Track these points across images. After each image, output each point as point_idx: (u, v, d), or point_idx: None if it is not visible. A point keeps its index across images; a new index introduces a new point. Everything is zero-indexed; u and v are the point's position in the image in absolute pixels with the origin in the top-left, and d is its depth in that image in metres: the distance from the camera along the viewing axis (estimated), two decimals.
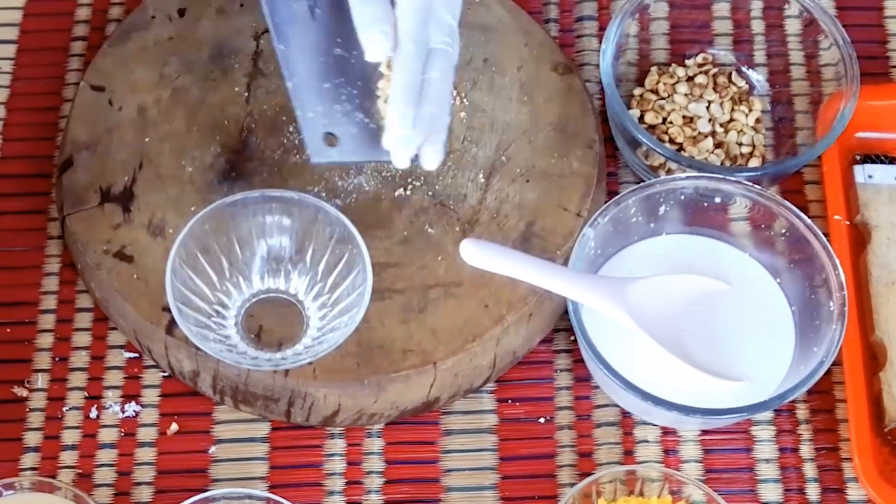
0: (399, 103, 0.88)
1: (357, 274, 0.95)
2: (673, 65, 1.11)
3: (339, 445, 0.99)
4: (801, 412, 1.01)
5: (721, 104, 1.09)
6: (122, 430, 0.99)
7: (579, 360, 1.02)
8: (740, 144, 1.08)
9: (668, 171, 1.06)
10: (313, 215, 0.96)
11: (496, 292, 0.98)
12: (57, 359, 1.01)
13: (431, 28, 0.89)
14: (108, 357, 1.02)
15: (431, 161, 0.90)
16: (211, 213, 0.95)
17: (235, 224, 0.96)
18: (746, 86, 1.11)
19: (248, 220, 0.97)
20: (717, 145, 1.08)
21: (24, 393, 1.00)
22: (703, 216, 1.02)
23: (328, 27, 0.94)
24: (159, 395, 1.00)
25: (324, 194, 1.00)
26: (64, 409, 1.00)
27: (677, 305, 0.98)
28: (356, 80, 0.95)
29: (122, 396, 1.00)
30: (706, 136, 1.08)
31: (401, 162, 0.90)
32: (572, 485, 0.97)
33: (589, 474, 0.94)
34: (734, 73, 1.11)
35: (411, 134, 0.88)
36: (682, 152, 1.07)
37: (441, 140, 0.90)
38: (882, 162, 1.07)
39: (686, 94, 1.09)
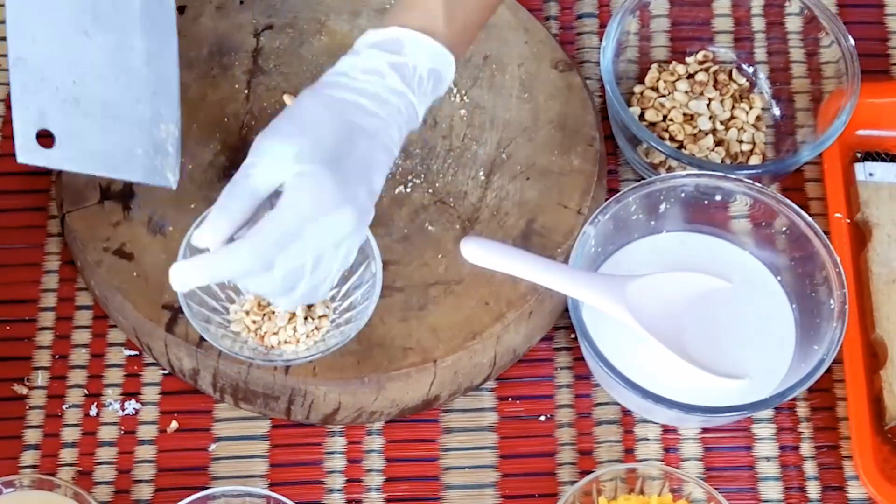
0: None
1: (366, 267, 0.95)
2: (673, 62, 1.11)
3: (339, 443, 0.99)
4: (802, 410, 1.01)
5: (721, 102, 1.09)
6: (122, 427, 0.99)
7: (580, 358, 1.02)
8: (741, 142, 1.08)
9: (669, 169, 1.05)
10: None
11: (496, 290, 0.98)
12: (57, 356, 1.01)
13: (281, 256, 0.83)
14: (108, 354, 1.02)
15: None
16: None
17: None
18: (747, 83, 1.11)
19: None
20: (718, 143, 1.08)
21: (24, 391, 1.00)
22: (704, 214, 1.02)
23: (78, 3, 0.83)
24: (159, 393, 1.00)
25: None
26: (64, 406, 1.00)
27: (678, 303, 0.98)
28: (101, 69, 0.84)
29: (122, 394, 1.00)
30: (707, 134, 1.08)
31: (177, 283, 0.83)
32: (573, 483, 0.97)
33: (589, 472, 0.94)
34: (735, 71, 1.11)
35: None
36: (683, 150, 1.07)
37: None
38: (883, 160, 1.07)
39: (686, 92, 1.09)
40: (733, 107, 1.09)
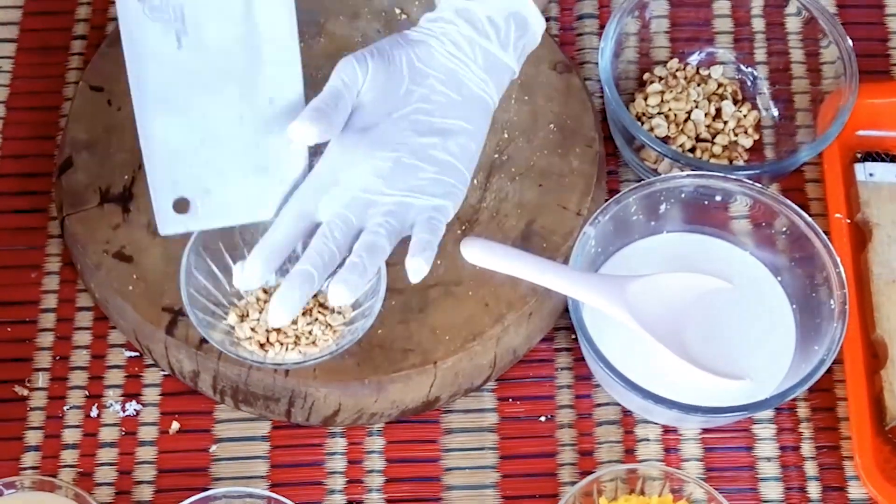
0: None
1: None
2: (673, 62, 1.11)
3: (339, 444, 0.99)
4: (802, 410, 1.01)
5: (721, 102, 1.09)
6: (123, 428, 0.99)
7: (580, 359, 1.02)
8: (740, 143, 1.08)
9: (669, 170, 1.05)
10: None
11: (496, 291, 0.98)
12: (57, 357, 1.01)
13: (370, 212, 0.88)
14: (109, 356, 1.02)
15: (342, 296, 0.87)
16: None
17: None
18: (747, 84, 1.11)
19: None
20: (717, 144, 1.08)
21: (25, 392, 1.00)
22: (704, 214, 1.02)
23: (197, 61, 0.89)
24: (160, 394, 1.00)
25: None
26: (65, 407, 1.00)
27: (678, 304, 0.98)
28: (226, 121, 0.89)
29: (122, 395, 1.00)
30: (706, 134, 1.08)
31: (276, 319, 0.87)
32: (573, 483, 0.97)
33: (590, 473, 0.94)
34: (734, 71, 1.11)
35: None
36: (682, 150, 1.07)
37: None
38: (883, 160, 1.07)
39: (685, 93, 1.09)
40: (733, 107, 1.09)
